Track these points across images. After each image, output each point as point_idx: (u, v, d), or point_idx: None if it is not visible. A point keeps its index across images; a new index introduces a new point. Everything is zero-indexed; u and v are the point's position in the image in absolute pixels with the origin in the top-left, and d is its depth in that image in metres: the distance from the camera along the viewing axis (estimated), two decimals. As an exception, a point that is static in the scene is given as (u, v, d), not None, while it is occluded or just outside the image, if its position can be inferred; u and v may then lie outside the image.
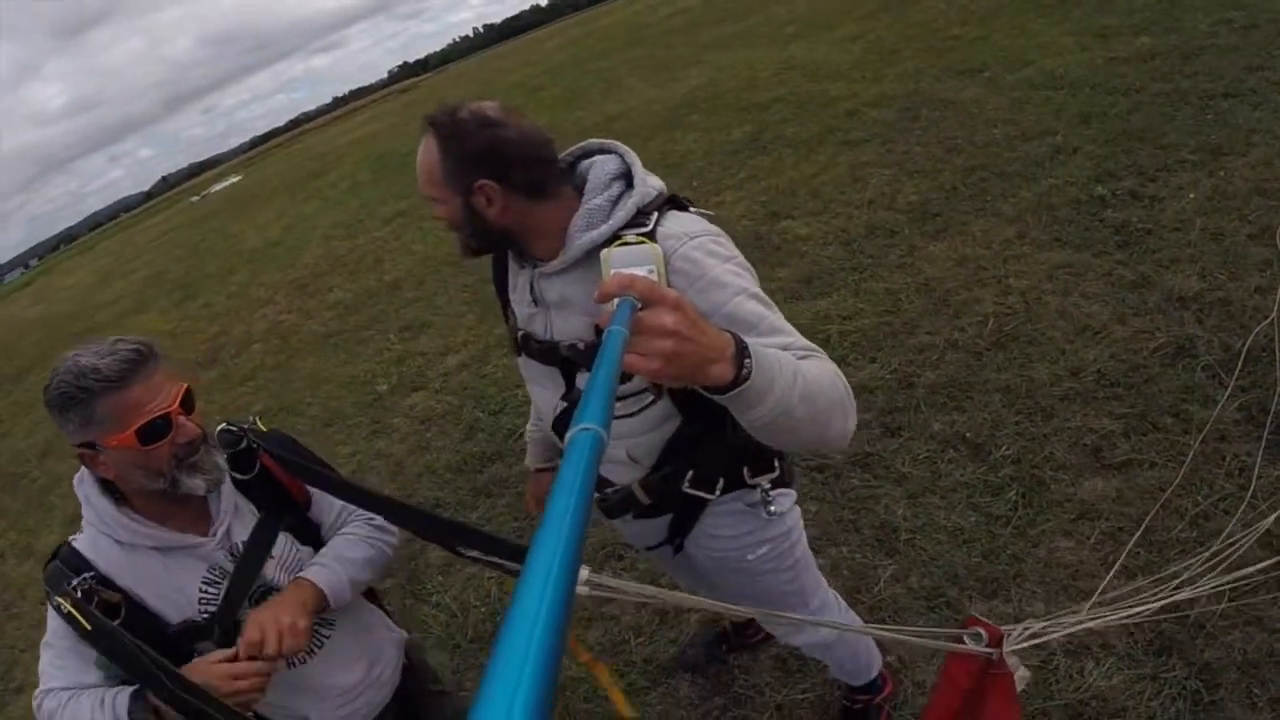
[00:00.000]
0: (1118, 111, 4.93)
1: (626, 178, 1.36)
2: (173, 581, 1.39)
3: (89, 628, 1.25)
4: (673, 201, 1.36)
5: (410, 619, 3.09)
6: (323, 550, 1.53)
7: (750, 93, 9.11)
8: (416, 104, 30.90)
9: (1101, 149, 4.53)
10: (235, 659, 1.31)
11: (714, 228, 1.32)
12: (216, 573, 1.42)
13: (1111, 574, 1.86)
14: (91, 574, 1.33)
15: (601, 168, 1.36)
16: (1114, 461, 2.54)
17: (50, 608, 1.32)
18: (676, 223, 1.28)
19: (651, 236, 1.24)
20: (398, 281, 7.73)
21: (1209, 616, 1.75)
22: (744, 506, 1.53)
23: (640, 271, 0.96)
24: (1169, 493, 2.27)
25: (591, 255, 1.27)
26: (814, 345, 1.18)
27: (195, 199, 42.43)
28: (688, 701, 2.41)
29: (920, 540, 2.55)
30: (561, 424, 1.51)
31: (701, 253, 1.23)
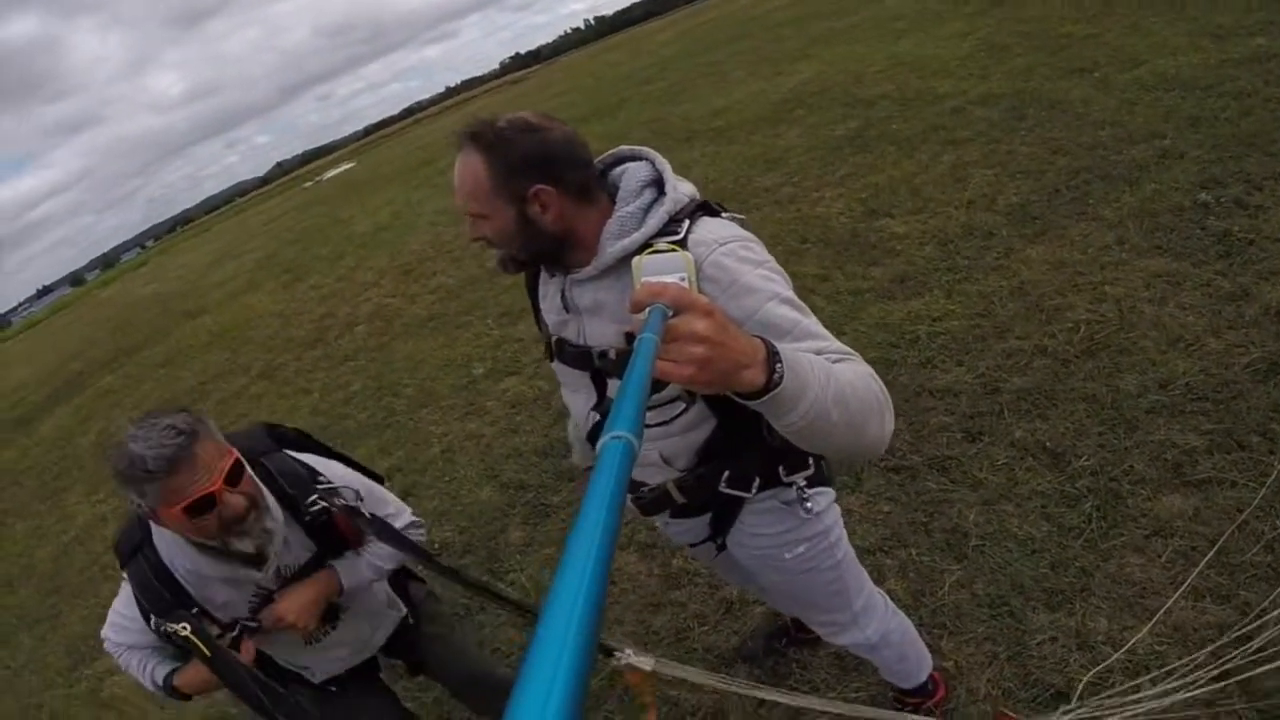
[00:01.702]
0: (1228, 115, 4.68)
1: (658, 185, 1.36)
2: (229, 597, 1.65)
3: (208, 654, 1.50)
4: (704, 207, 1.36)
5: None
6: (365, 548, 1.81)
7: (857, 88, 8.97)
8: (527, 94, 31.44)
9: (1209, 154, 4.32)
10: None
11: (745, 233, 1.32)
12: (263, 588, 1.67)
13: (1178, 595, 1.82)
14: (195, 609, 1.57)
15: (633, 175, 1.36)
16: (1194, 479, 2.46)
17: (135, 609, 1.60)
18: (707, 229, 1.28)
19: (683, 244, 1.24)
20: (498, 268, 7.92)
21: (1274, 642, 1.69)
22: (780, 504, 1.53)
23: (671, 279, 0.97)
24: (1246, 514, 2.19)
25: (623, 263, 1.28)
26: (849, 349, 1.18)
27: (309, 184, 44.18)
28: (743, 692, 2.47)
29: (989, 547, 2.53)
30: (596, 435, 1.50)
31: (732, 259, 1.23)
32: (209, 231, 52.32)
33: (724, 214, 1.38)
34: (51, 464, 9.00)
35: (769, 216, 6.23)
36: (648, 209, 1.32)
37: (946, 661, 2.24)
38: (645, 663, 1.39)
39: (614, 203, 1.35)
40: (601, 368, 1.42)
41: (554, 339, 1.52)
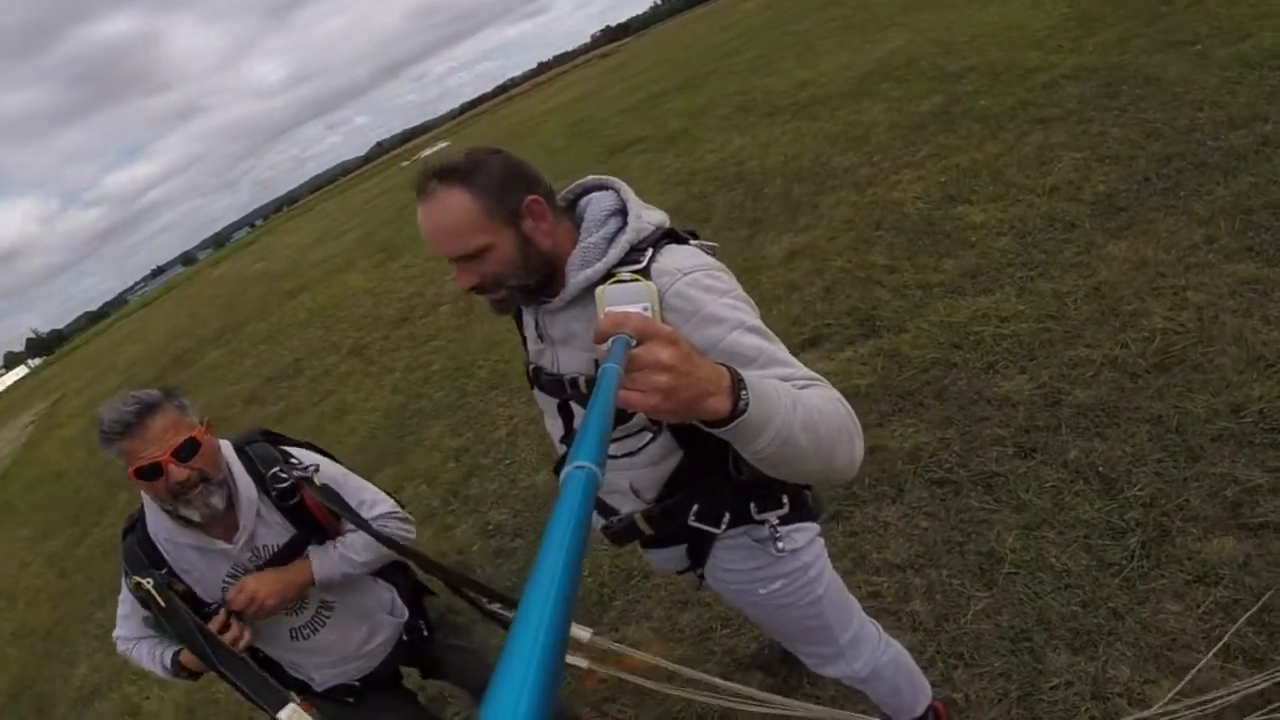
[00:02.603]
0: (1339, 98, 4.21)
1: (623, 214, 1.35)
2: (204, 572, 1.73)
3: (163, 605, 1.61)
4: (671, 235, 1.35)
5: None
6: (340, 540, 1.86)
7: (945, 60, 8.56)
8: (617, 69, 31.28)
9: (1315, 143, 3.92)
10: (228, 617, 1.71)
11: (711, 260, 1.30)
12: (239, 567, 1.74)
13: (1210, 655, 1.69)
14: (165, 569, 1.69)
15: (598, 205, 1.36)
16: (1251, 521, 2.24)
17: (124, 580, 1.72)
18: (671, 258, 1.27)
19: (646, 273, 1.24)
20: (577, 250, 7.98)
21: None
22: (752, 542, 1.51)
23: (634, 309, 0.97)
24: (1300, 568, 2.00)
25: (589, 293, 1.28)
26: (816, 375, 1.16)
27: (405, 164, 45.26)
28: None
29: (1022, 576, 2.40)
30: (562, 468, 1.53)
31: (696, 289, 1.22)
32: (313, 211, 54.46)
33: (693, 241, 1.37)
34: (155, 438, 9.56)
35: (844, 199, 6.08)
36: (611, 239, 1.32)
37: (956, 693, 2.16)
38: (583, 633, 1.42)
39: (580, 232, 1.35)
40: (572, 396, 1.43)
41: (532, 367, 1.54)
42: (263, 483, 1.77)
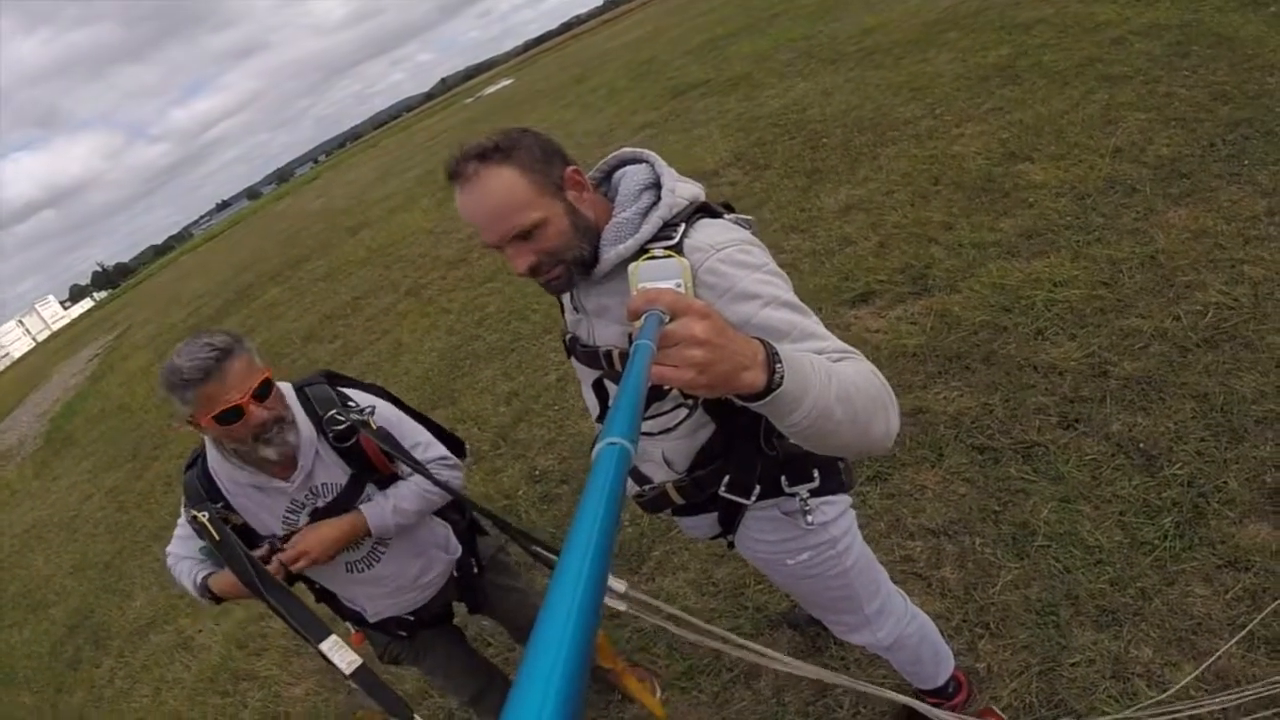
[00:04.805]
0: None
1: (657, 187, 1.34)
2: (263, 508, 1.81)
3: (218, 539, 1.69)
4: (705, 209, 1.34)
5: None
6: (389, 490, 1.91)
7: (1014, 10, 8.23)
8: (683, 7, 30.45)
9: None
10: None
11: (744, 235, 1.29)
12: (296, 504, 1.83)
13: (1233, 642, 1.71)
14: (221, 504, 1.77)
15: (632, 179, 1.35)
16: (1288, 509, 2.22)
17: (183, 510, 1.81)
18: (704, 234, 1.26)
19: (679, 249, 1.23)
20: (634, 194, 7.95)
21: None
22: (781, 514, 1.52)
23: (667, 285, 0.98)
24: (1333, 558, 1.99)
25: (622, 268, 1.28)
26: (850, 348, 1.15)
27: (469, 101, 44.86)
28: (780, 658, 2.52)
29: (1055, 549, 2.42)
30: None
31: (728, 264, 1.21)
32: (376, 147, 54.56)
33: (727, 215, 1.36)
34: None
35: (904, 152, 5.96)
36: (645, 213, 1.32)
37: (979, 663, 2.20)
38: (618, 585, 1.43)
39: (613, 206, 1.36)
40: (606, 370, 1.45)
41: (569, 336, 1.55)
42: (320, 424, 1.81)
